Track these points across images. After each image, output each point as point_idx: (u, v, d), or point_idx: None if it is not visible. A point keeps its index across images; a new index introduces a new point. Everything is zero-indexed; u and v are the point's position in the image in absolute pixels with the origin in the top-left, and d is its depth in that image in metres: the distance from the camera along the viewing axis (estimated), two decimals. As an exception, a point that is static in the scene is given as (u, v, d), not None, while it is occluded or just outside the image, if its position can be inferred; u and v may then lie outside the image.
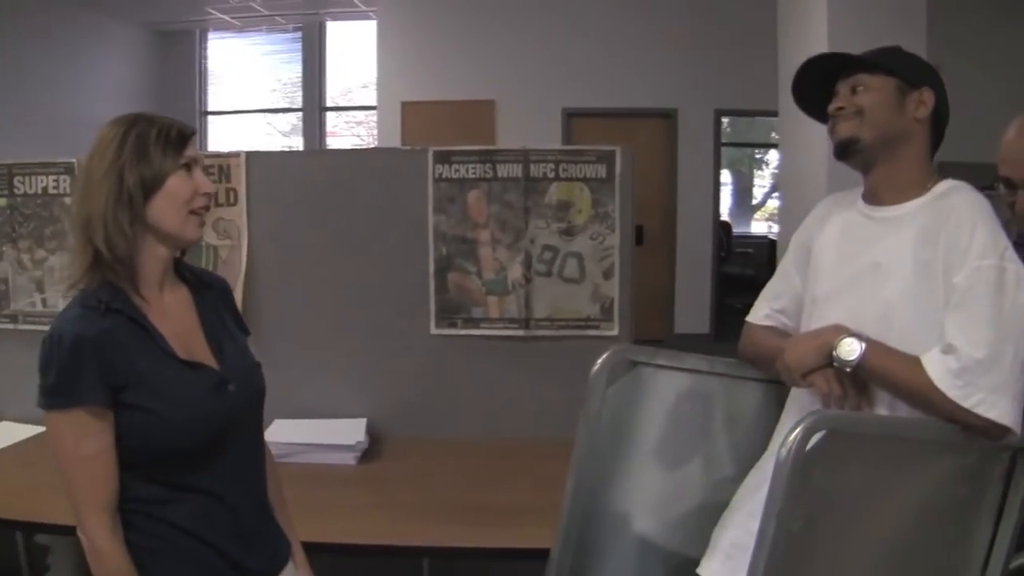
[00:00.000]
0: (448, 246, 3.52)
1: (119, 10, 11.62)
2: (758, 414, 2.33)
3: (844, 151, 2.03)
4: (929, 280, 1.87)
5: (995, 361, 1.75)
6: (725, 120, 11.30)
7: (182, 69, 13.30)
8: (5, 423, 3.52)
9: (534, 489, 2.86)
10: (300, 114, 13.47)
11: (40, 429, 3.04)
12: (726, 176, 13.69)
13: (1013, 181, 2.24)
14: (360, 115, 13.55)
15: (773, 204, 14.55)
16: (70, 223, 1.84)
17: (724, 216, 12.78)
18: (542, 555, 2.29)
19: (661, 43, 10.32)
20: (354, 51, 12.96)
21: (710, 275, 10.73)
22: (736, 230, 13.62)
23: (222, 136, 13.62)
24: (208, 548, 1.80)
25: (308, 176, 3.62)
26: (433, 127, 10.15)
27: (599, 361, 2.24)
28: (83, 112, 9.40)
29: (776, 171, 13.20)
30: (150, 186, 1.75)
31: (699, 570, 2.15)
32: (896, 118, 1.99)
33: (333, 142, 13.55)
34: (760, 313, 2.30)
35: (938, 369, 1.78)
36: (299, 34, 13.21)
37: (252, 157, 3.57)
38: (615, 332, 3.50)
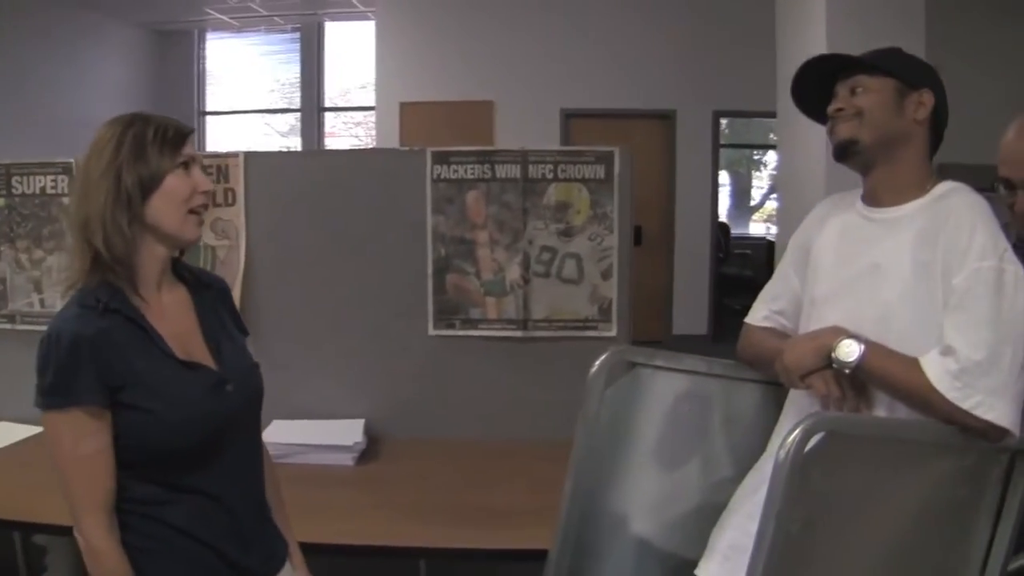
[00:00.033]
0: (446, 247, 3.52)
1: (117, 10, 11.62)
2: (756, 415, 2.32)
3: (843, 152, 2.03)
4: (928, 282, 1.87)
5: (994, 363, 1.75)
6: (723, 121, 11.30)
7: (180, 69, 13.29)
8: (3, 423, 3.51)
9: (532, 490, 2.86)
10: (298, 114, 13.47)
11: (38, 429, 3.05)
12: (724, 177, 13.67)
13: (1013, 182, 2.24)
14: (358, 116, 13.54)
15: (771, 205, 14.54)
16: (68, 224, 1.84)
17: (722, 217, 12.78)
18: (540, 556, 2.28)
19: (660, 44, 10.32)
20: (352, 52, 12.97)
21: (708, 276, 10.73)
22: (734, 231, 13.61)
23: (220, 136, 13.61)
24: (205, 549, 1.79)
25: (306, 177, 3.62)
26: (431, 128, 10.15)
27: (597, 362, 2.24)
28: (81, 112, 9.39)
29: (774, 172, 13.19)
30: (148, 186, 1.74)
31: (697, 571, 2.15)
32: (895, 119, 1.98)
33: (331, 143, 13.56)
34: (758, 314, 2.30)
35: (937, 371, 1.78)
36: (297, 34, 13.21)
37: (250, 157, 3.57)
38: (613, 333, 3.50)
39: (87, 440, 1.67)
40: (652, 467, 2.33)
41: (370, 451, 3.33)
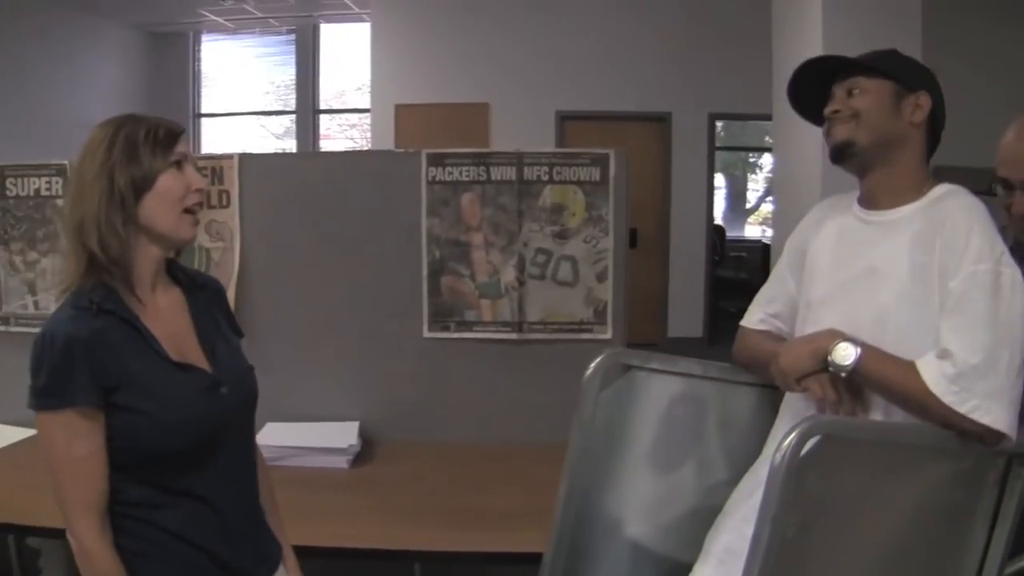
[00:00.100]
0: (441, 249, 3.51)
1: (113, 12, 11.62)
2: (752, 419, 2.32)
3: (840, 154, 2.03)
4: (925, 284, 1.87)
5: (991, 366, 1.75)
6: (719, 124, 11.30)
7: (176, 71, 13.28)
8: (-3, 426, 3.51)
9: (527, 493, 2.86)
10: (294, 116, 13.47)
11: (32, 432, 3.03)
12: (720, 180, 13.70)
13: (1011, 182, 2.25)
14: (354, 118, 13.58)
15: (767, 208, 14.58)
16: (63, 226, 1.84)
17: (718, 220, 12.78)
18: (535, 559, 2.28)
19: (655, 46, 10.34)
20: (348, 54, 12.98)
21: (704, 279, 10.75)
22: (730, 234, 13.62)
23: (215, 138, 13.61)
24: (198, 552, 1.79)
25: (301, 178, 3.61)
26: (427, 130, 10.16)
27: (592, 365, 2.23)
28: (77, 113, 9.40)
29: (770, 175, 13.22)
30: (141, 186, 1.74)
31: (692, 575, 2.15)
32: (892, 121, 1.98)
33: (326, 145, 13.57)
34: (754, 317, 2.30)
35: (933, 374, 1.78)
36: (293, 36, 13.21)
37: (245, 159, 3.56)
38: (608, 335, 3.49)
39: (80, 442, 1.67)
40: (647, 470, 2.33)
41: (365, 454, 3.32)
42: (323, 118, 13.55)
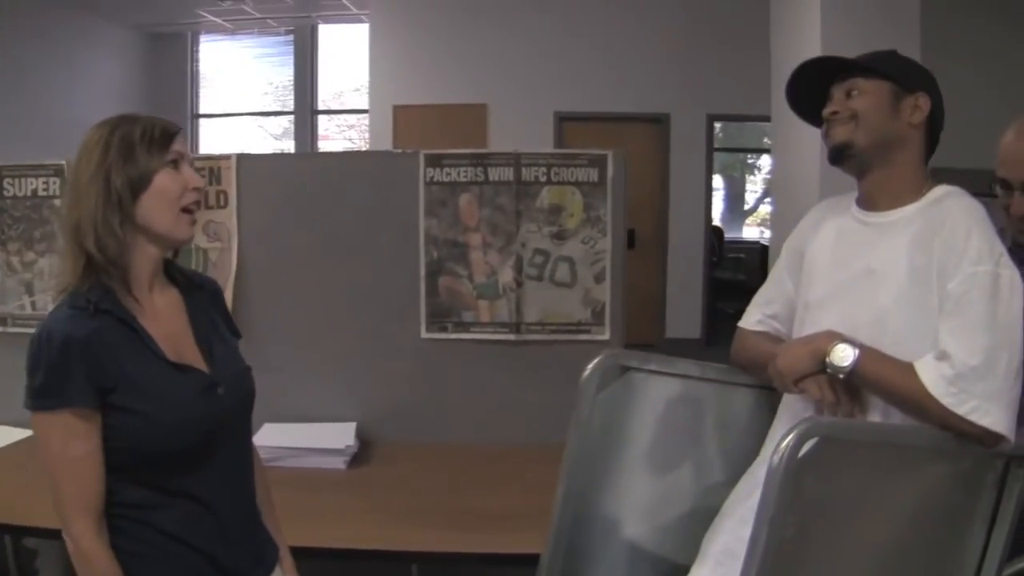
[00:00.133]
0: (439, 250, 3.51)
1: (111, 12, 11.61)
2: (750, 420, 2.32)
3: (838, 156, 2.02)
4: (923, 286, 1.86)
5: (989, 368, 1.75)
6: (717, 125, 11.29)
7: (174, 71, 13.27)
8: (-6, 427, 3.50)
9: (524, 494, 2.85)
10: (292, 117, 13.46)
11: (30, 433, 3.03)
12: (718, 181, 13.70)
13: (1010, 182, 2.25)
14: (352, 119, 13.57)
15: (765, 209, 14.59)
16: (60, 228, 1.83)
17: (716, 221, 12.78)
18: (532, 560, 2.27)
19: (653, 47, 10.33)
20: (346, 54, 12.97)
21: (702, 280, 10.73)
22: (728, 235, 13.61)
23: (213, 139, 13.61)
24: (195, 553, 1.79)
25: (298, 179, 3.61)
26: (425, 130, 10.15)
27: (590, 366, 2.23)
28: (75, 114, 9.37)
29: (768, 176, 13.23)
30: (137, 186, 1.74)
31: (689, 577, 2.15)
32: (891, 123, 1.98)
33: (325, 145, 13.56)
34: (752, 318, 2.30)
35: (932, 376, 1.78)
36: (291, 37, 13.20)
37: (242, 159, 3.56)
38: (606, 336, 3.49)
39: (77, 442, 1.66)
40: (645, 471, 2.32)
41: (362, 454, 3.32)
42: (321, 119, 13.54)
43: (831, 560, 1.78)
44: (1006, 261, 1.82)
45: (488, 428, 3.47)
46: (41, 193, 3.62)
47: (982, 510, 1.90)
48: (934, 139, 2.05)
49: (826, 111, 2.05)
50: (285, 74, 13.39)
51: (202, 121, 13.63)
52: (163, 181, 1.77)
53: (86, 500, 1.68)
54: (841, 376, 1.87)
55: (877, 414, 1.91)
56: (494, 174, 3.48)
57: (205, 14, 12.00)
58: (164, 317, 1.84)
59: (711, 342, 10.33)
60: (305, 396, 3.49)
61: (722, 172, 14.47)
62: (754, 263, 12.11)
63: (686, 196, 10.54)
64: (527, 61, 10.38)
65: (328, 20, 12.76)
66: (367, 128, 11.60)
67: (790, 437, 1.62)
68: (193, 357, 1.85)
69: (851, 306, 1.97)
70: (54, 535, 1.80)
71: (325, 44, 13.28)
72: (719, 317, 10.61)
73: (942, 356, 1.78)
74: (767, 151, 11.71)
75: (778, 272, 2.28)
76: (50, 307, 1.78)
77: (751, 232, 14.96)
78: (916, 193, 1.98)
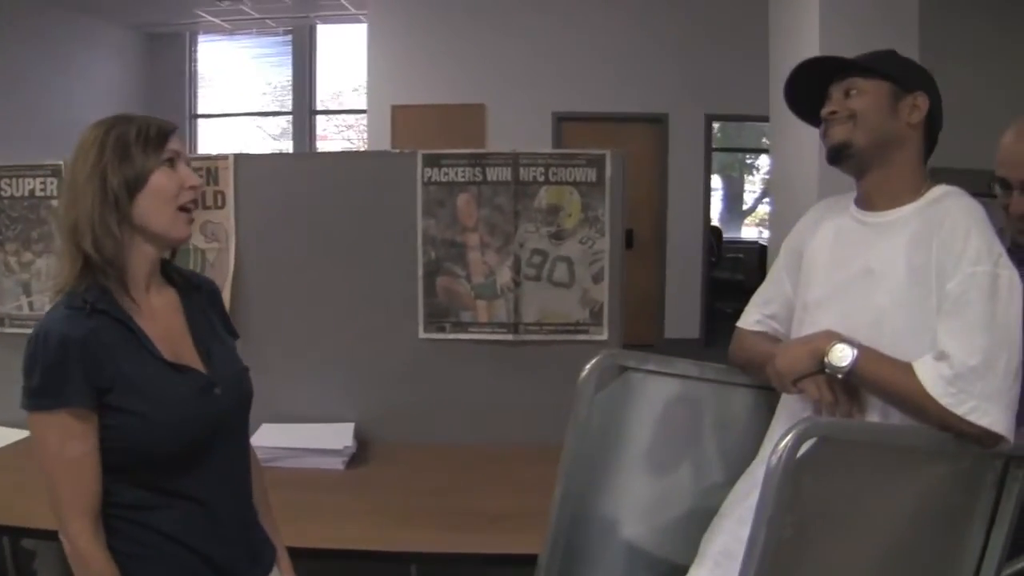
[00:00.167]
0: (437, 250, 3.51)
1: (110, 13, 11.61)
2: (748, 420, 2.32)
3: (837, 155, 2.02)
4: (922, 286, 1.86)
5: (988, 368, 1.74)
6: (716, 125, 11.29)
7: (172, 72, 13.26)
8: (-9, 427, 3.50)
9: (522, 494, 2.84)
10: (290, 117, 13.45)
11: (27, 433, 3.02)
12: (717, 181, 13.71)
13: (1009, 182, 2.24)
14: (350, 119, 13.57)
15: (764, 209, 14.59)
16: (58, 228, 1.83)
17: (714, 221, 12.79)
18: (530, 561, 2.27)
19: (652, 47, 10.33)
20: (344, 54, 12.97)
21: (700, 280, 10.73)
22: (726, 235, 13.62)
23: (212, 139, 13.61)
24: (192, 554, 1.78)
25: (296, 179, 3.61)
26: (423, 131, 10.14)
27: (588, 366, 2.22)
28: (73, 114, 9.34)
29: (767, 176, 13.22)
30: (134, 186, 1.73)
31: (687, 577, 2.14)
32: (889, 122, 1.98)
33: (323, 145, 13.56)
34: (751, 319, 2.29)
35: (931, 376, 1.77)
36: (289, 37, 13.19)
37: (240, 159, 3.56)
38: (604, 337, 3.49)
39: (74, 443, 1.66)
40: (643, 472, 2.32)
41: (360, 455, 3.32)
42: (319, 119, 13.53)
43: (830, 560, 1.78)
44: (1005, 261, 1.82)
45: (486, 428, 3.47)
46: (39, 193, 3.61)
47: (981, 510, 1.90)
48: (933, 139, 2.05)
49: (824, 111, 2.05)
50: (283, 74, 13.38)
51: (200, 121, 13.62)
52: (159, 180, 1.76)
53: (83, 501, 1.67)
54: (840, 376, 1.87)
55: (876, 414, 1.91)
56: (492, 174, 3.47)
57: (203, 14, 11.99)
58: (161, 317, 1.84)
59: (710, 342, 10.33)
60: (303, 396, 3.49)
61: (721, 172, 14.48)
62: (753, 263, 12.09)
63: (684, 196, 10.54)
64: (525, 61, 10.37)
65: (326, 20, 12.75)
66: (365, 128, 11.60)
67: (788, 437, 1.61)
68: (190, 357, 1.85)
69: (850, 306, 1.97)
70: (52, 536, 1.79)
71: (323, 44, 13.27)
72: (717, 317, 10.61)
73: (941, 356, 1.78)
74: (766, 151, 11.72)
75: (776, 272, 2.27)
76: (47, 307, 1.77)
77: (750, 232, 14.97)
78: (915, 193, 1.98)
